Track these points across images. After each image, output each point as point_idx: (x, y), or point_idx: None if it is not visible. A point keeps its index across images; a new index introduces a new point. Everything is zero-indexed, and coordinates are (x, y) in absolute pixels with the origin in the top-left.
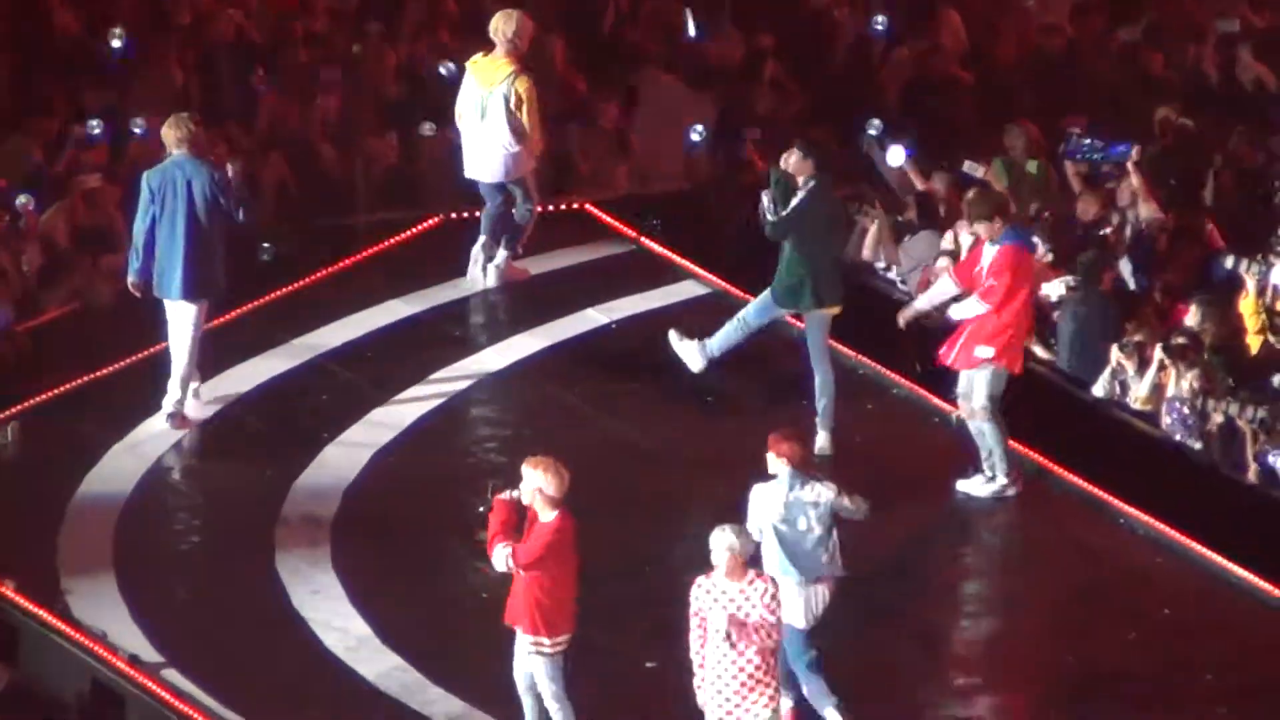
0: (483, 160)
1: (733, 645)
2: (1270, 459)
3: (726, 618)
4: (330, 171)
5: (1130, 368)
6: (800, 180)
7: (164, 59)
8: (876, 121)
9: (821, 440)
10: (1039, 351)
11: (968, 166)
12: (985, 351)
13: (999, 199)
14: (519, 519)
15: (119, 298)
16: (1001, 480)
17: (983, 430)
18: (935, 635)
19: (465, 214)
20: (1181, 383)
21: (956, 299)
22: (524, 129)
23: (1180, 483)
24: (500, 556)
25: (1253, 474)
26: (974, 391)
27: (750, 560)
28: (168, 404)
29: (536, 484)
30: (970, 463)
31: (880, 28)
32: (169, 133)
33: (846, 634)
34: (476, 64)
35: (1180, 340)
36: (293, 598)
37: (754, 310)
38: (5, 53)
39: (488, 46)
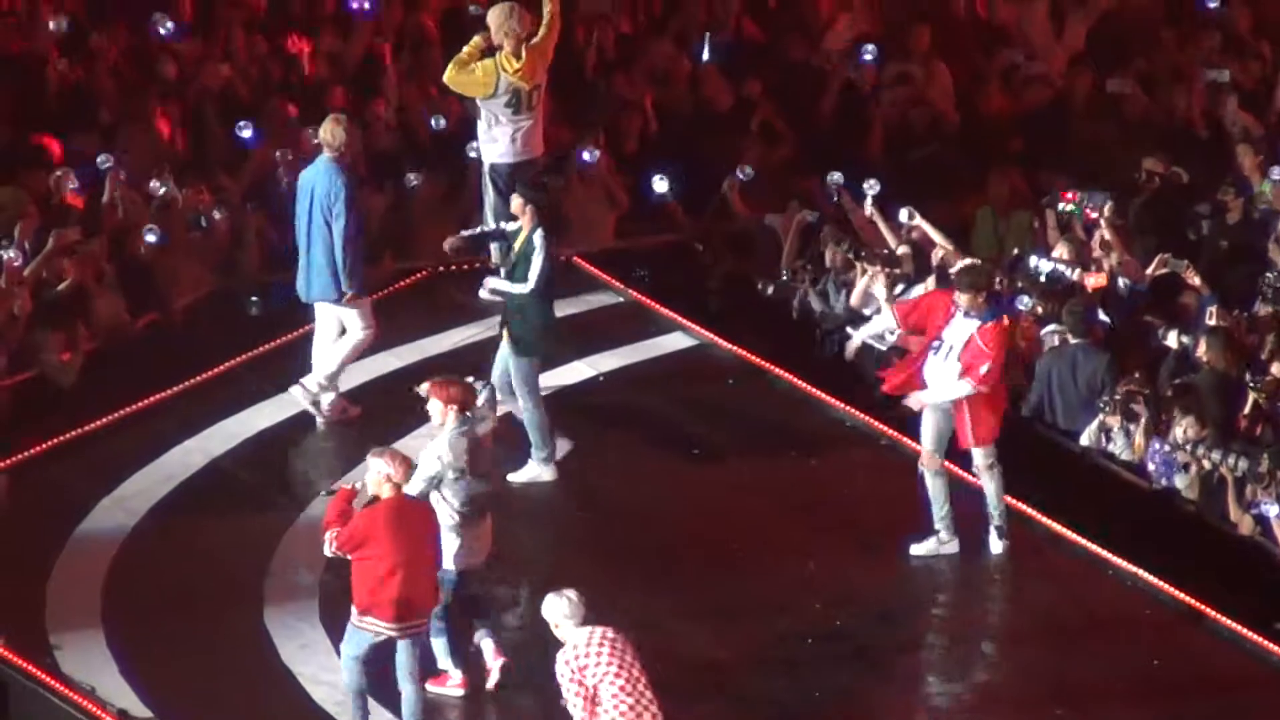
0: (522, 142)
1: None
2: (1263, 508)
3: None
4: None
5: (1115, 424)
6: (527, 227)
7: (150, 111)
8: (837, 175)
9: (539, 474)
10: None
11: (904, 215)
12: (981, 430)
13: (987, 273)
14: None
15: (84, 370)
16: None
17: (989, 484)
18: (921, 684)
19: (454, 267)
20: (1175, 430)
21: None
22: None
23: (1168, 533)
24: (326, 541)
25: (1247, 526)
26: (981, 466)
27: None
28: (308, 389)
29: (385, 471)
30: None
31: (869, 58)
32: (320, 131)
33: (832, 680)
34: (509, 64)
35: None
36: (281, 652)
37: (498, 369)
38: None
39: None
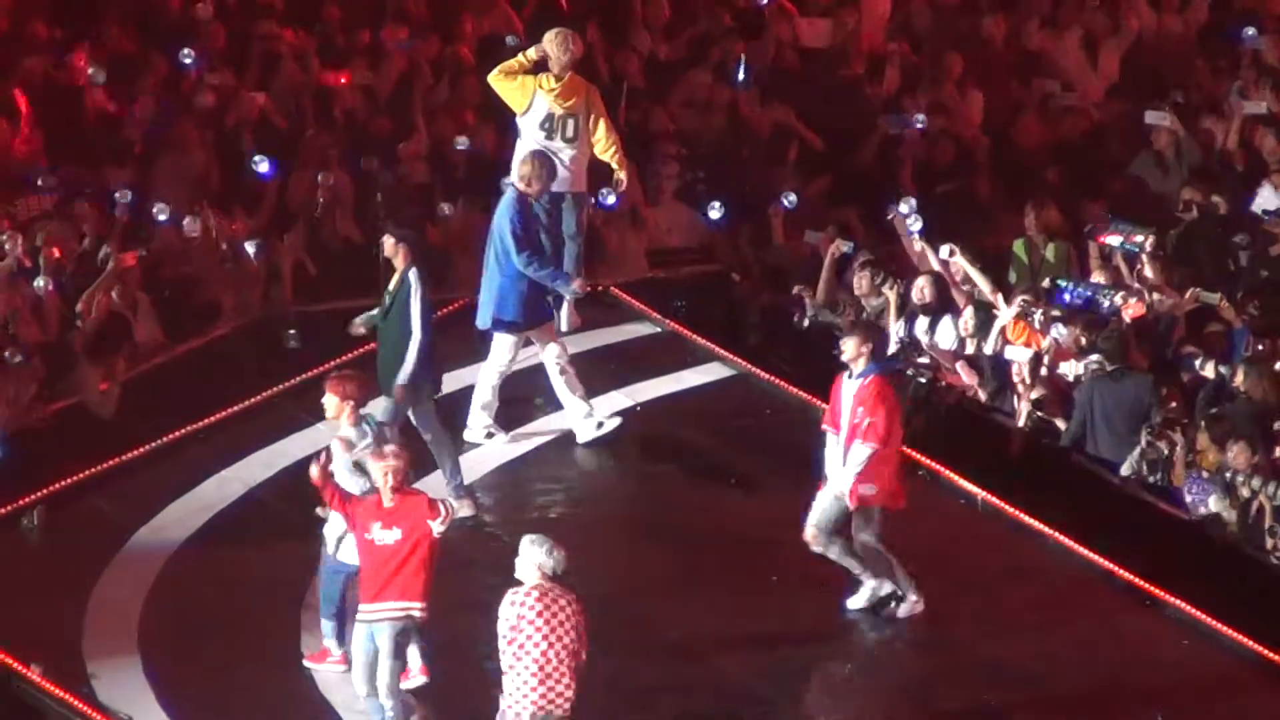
0: (563, 173)
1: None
2: None
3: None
4: (352, 252)
5: (1163, 448)
6: (400, 267)
7: (186, 140)
8: (911, 200)
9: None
10: (1063, 426)
11: (945, 251)
12: (868, 489)
13: (877, 331)
14: None
15: (121, 400)
16: (910, 599)
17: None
18: (959, 717)
19: None
20: (1226, 456)
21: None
22: (589, 139)
23: (1208, 564)
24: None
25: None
26: (855, 528)
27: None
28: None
29: (394, 465)
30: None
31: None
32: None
33: (871, 711)
34: (547, 82)
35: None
36: (318, 681)
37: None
38: (41, 134)
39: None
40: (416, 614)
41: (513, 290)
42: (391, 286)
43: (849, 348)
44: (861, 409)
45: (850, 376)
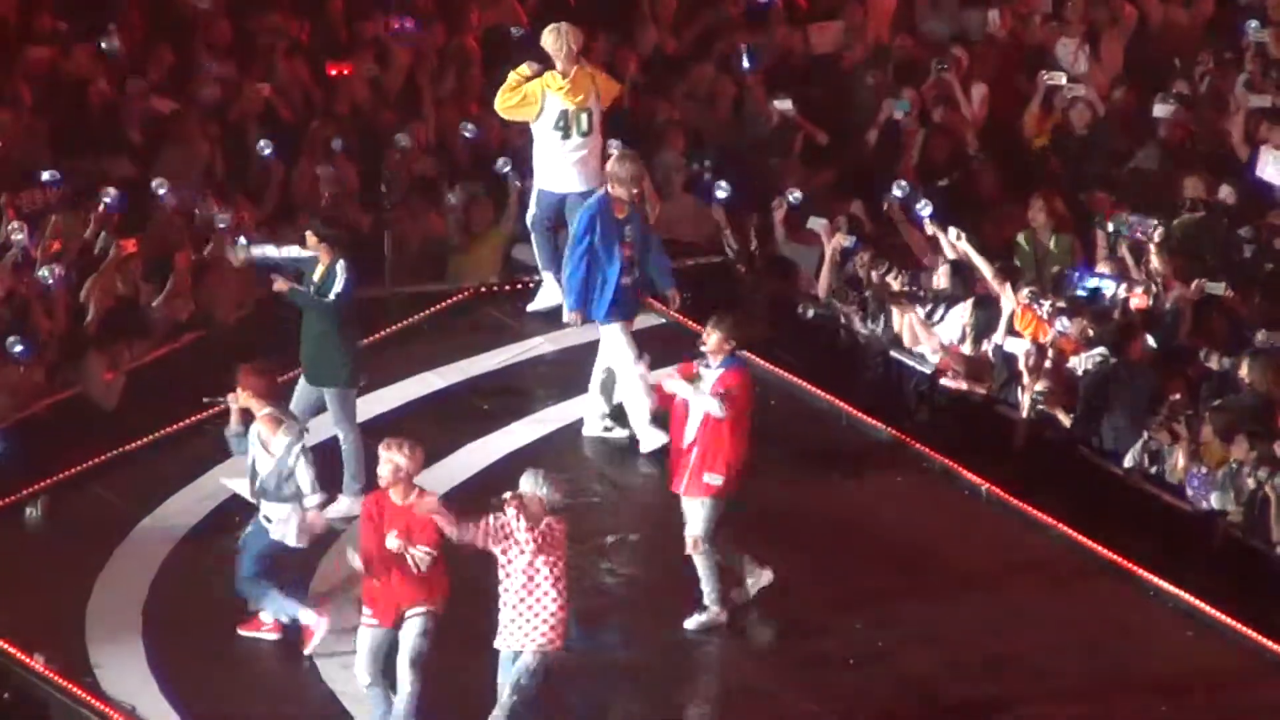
0: (578, 171)
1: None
2: None
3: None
4: (359, 242)
5: (1165, 441)
6: (326, 261)
7: (190, 131)
8: (903, 183)
9: (352, 507)
10: (1062, 418)
11: (952, 234)
12: (714, 479)
13: (742, 331)
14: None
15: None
16: (713, 610)
17: (695, 561)
18: (963, 710)
19: (495, 287)
20: (1232, 449)
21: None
22: (603, 134)
23: (1212, 555)
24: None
25: None
26: (689, 520)
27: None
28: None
29: (399, 462)
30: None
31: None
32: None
33: (873, 703)
34: (554, 80)
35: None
36: (322, 672)
37: (298, 406)
38: (44, 122)
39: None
40: (438, 613)
41: (614, 283)
42: (316, 278)
43: (712, 341)
44: (725, 390)
45: (708, 366)
